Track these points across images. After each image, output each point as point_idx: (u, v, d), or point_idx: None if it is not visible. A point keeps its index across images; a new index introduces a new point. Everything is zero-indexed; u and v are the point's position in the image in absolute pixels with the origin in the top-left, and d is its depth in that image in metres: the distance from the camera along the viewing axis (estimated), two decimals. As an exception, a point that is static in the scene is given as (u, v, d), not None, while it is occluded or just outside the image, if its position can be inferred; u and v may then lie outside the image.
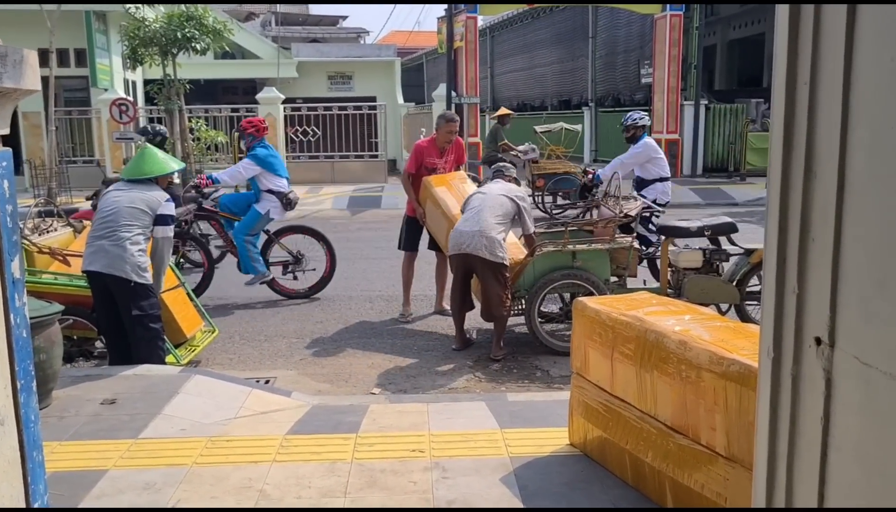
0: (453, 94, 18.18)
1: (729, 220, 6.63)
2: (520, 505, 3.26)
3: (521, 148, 13.82)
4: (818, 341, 1.72)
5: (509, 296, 6.02)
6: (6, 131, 1.95)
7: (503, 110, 14.82)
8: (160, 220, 5.15)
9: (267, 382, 5.48)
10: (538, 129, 14.85)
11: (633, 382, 3.35)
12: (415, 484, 3.47)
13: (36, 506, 2.05)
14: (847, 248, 1.63)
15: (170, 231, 5.23)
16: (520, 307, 6.27)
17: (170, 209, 5.20)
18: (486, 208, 6.00)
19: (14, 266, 1.94)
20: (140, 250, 5.03)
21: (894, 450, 1.48)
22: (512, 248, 6.35)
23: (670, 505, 3.17)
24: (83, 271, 5.03)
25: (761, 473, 1.93)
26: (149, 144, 5.66)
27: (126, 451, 3.83)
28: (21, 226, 5.53)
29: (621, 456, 3.47)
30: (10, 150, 1.95)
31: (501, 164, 6.74)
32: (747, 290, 6.39)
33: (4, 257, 1.89)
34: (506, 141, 13.91)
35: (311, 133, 19.27)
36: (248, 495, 3.37)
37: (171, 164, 5.41)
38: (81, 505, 3.27)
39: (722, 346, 2.94)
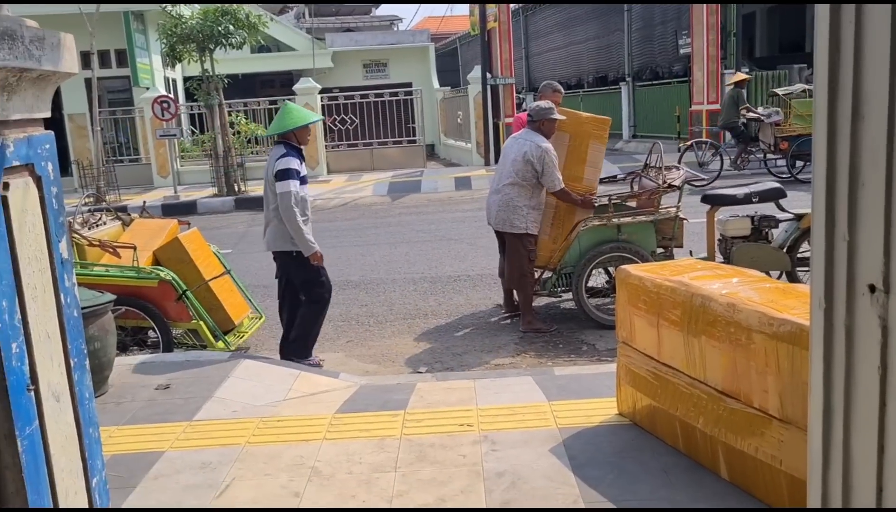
0: (488, 75, 18.05)
1: (777, 185, 6.48)
2: (570, 475, 3.25)
3: (763, 110, 13.71)
4: (872, 289, 1.67)
5: (531, 269, 6.06)
6: (48, 115, 1.98)
7: (740, 75, 14.68)
8: (277, 175, 5.21)
9: (318, 365, 5.54)
10: (779, 91, 14.62)
11: (681, 347, 3.30)
12: (464, 457, 3.48)
13: (94, 481, 2.10)
14: (900, 189, 1.57)
15: (285, 186, 5.15)
16: (562, 282, 6.24)
17: (283, 164, 5.19)
18: (504, 174, 6.09)
19: (62, 247, 1.98)
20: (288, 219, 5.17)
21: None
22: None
23: (724, 470, 3.12)
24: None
25: (816, 429, 1.89)
26: (288, 102, 5.75)
27: (181, 432, 3.91)
28: (71, 220, 5.67)
29: (671, 423, 3.42)
30: (52, 133, 1.99)
31: (534, 105, 6.28)
32: (798, 256, 6.23)
33: (52, 238, 1.93)
34: (747, 104, 13.86)
35: (349, 121, 19.36)
36: (301, 472, 3.42)
37: (309, 116, 5.49)
38: (140, 485, 3.36)
39: (772, 306, 2.87)
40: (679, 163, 13.50)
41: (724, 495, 3.01)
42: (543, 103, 6.21)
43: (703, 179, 7.13)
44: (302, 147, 5.43)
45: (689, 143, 14.57)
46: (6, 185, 1.74)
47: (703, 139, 15.30)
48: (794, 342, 2.68)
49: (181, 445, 3.78)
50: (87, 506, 2.03)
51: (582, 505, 3.00)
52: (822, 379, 1.84)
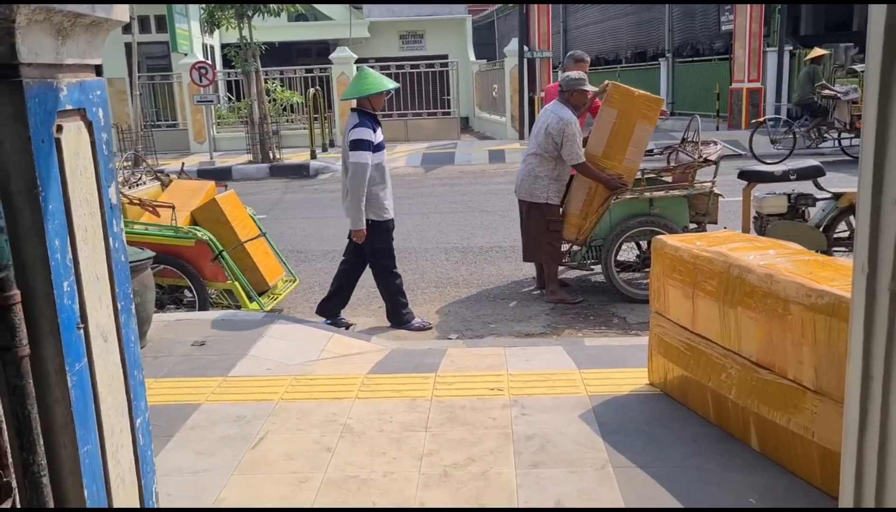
0: (525, 48, 17.89)
1: (816, 163, 6.36)
2: (599, 440, 3.27)
3: (840, 88, 13.55)
4: (918, 253, 1.65)
5: (556, 240, 6.04)
6: (99, 61, 2.02)
7: (818, 51, 14.49)
8: (350, 145, 5.28)
9: (347, 327, 5.61)
10: (858, 68, 14.40)
11: (716, 318, 3.28)
12: (494, 420, 3.52)
13: (138, 421, 2.16)
14: (952, 153, 1.55)
15: (357, 156, 5.23)
16: (592, 255, 6.22)
17: (356, 134, 5.25)
18: (530, 145, 6.09)
19: (111, 192, 2.03)
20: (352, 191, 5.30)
21: None
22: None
23: (754, 440, 3.11)
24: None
25: (854, 396, 1.87)
26: (365, 67, 5.78)
27: (217, 387, 4.00)
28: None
29: (703, 394, 3.42)
30: (103, 80, 2.03)
31: (565, 75, 6.20)
32: (835, 236, 6.14)
33: (102, 183, 1.98)
34: (823, 81, 13.71)
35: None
36: (333, 428, 3.48)
37: (385, 82, 5.50)
38: (177, 434, 3.45)
39: (810, 278, 2.84)
40: (751, 140, 13.29)
41: (755, 466, 3.01)
42: (574, 74, 6.12)
43: (741, 153, 7.01)
44: (377, 113, 5.47)
45: (761, 120, 14.23)
46: (59, 128, 1.78)
47: (776, 116, 15.01)
48: (832, 314, 2.66)
49: (216, 398, 3.86)
50: (131, 445, 2.09)
51: (610, 469, 3.02)
52: (862, 346, 1.83)
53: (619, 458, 3.11)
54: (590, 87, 5.95)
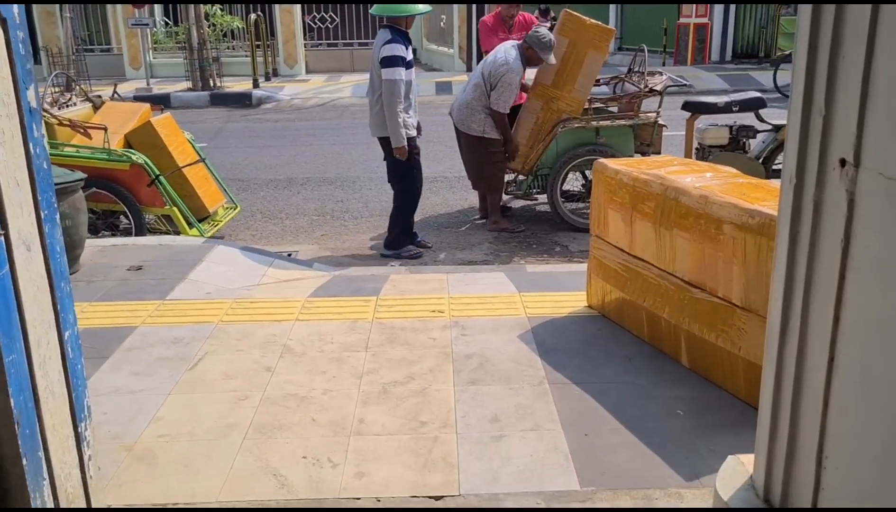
0: (475, -24, 17.50)
1: (757, 94, 6.46)
2: (537, 359, 3.33)
3: None
4: (843, 163, 1.69)
5: (497, 171, 6.04)
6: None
7: None
8: (383, 62, 5.12)
9: (289, 255, 5.55)
10: None
11: (653, 240, 3.34)
12: (434, 340, 3.55)
13: (66, 334, 2.11)
14: (879, 62, 1.57)
15: (391, 73, 5.09)
16: (537, 184, 6.25)
17: (388, 50, 5.09)
18: (475, 73, 6.03)
19: (30, 95, 1.93)
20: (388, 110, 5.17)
21: (913, 259, 1.47)
22: None
23: (685, 357, 3.22)
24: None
25: (777, 303, 1.94)
26: None
27: (154, 310, 3.94)
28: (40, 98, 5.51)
29: (638, 314, 3.51)
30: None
31: (535, 33, 5.90)
32: (773, 167, 6.28)
33: (20, 86, 1.88)
34: None
35: (329, 20, 18.79)
36: (273, 349, 3.47)
37: (420, 7, 5.30)
38: (113, 356, 3.40)
39: (743, 198, 2.91)
40: (774, 76, 13.24)
41: (685, 380, 3.12)
42: (544, 36, 5.89)
43: (686, 84, 7.07)
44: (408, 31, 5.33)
45: (786, 53, 14.03)
46: (-31, 22, 1.68)
47: None
48: (762, 233, 2.73)
49: (154, 321, 3.81)
50: (59, 358, 2.05)
51: (547, 386, 3.09)
52: (787, 254, 1.88)
53: (556, 375, 3.19)
54: (552, 61, 5.76)
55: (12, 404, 1.79)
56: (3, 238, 1.79)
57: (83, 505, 2.16)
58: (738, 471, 2.17)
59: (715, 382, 3.06)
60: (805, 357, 1.86)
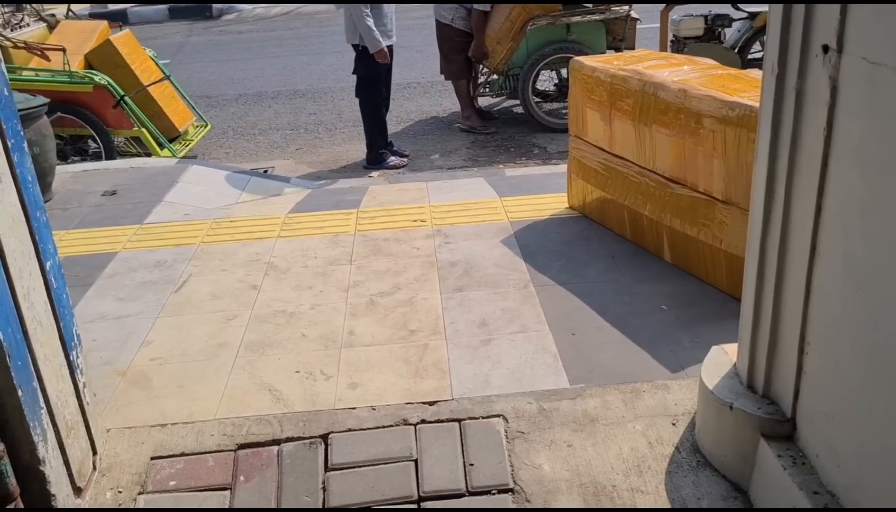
0: None
1: (733, -19, 6.31)
2: (521, 262, 3.36)
3: None
4: (825, 49, 1.67)
5: (457, 59, 6.10)
6: None
7: None
8: None
9: (265, 171, 5.47)
10: None
11: (632, 137, 3.32)
12: (418, 249, 3.56)
13: (48, 265, 2.09)
14: (863, -58, 1.53)
15: None
16: (509, 84, 6.15)
17: None
18: None
19: (-17, 18, 1.85)
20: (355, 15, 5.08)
21: (894, 145, 1.47)
22: None
23: (667, 253, 3.26)
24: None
25: (759, 195, 1.95)
26: None
27: (133, 235, 3.89)
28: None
29: (620, 213, 3.52)
30: None
31: None
32: (749, 56, 6.21)
33: (-29, 8, 1.79)
34: None
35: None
36: (257, 267, 3.46)
37: None
38: (96, 283, 3.38)
39: (722, 91, 2.88)
40: None
41: (667, 276, 3.16)
42: None
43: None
44: None
45: None
46: None
47: None
48: (742, 125, 2.72)
49: (133, 246, 3.77)
50: (43, 288, 2.03)
51: (532, 288, 3.13)
52: (769, 144, 1.88)
53: (541, 277, 3.22)
54: None
55: (1, 337, 1.78)
56: (-29, 170, 1.74)
57: (84, 431, 2.19)
58: (721, 360, 2.23)
59: (697, 275, 3.11)
60: (787, 247, 1.88)
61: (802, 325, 1.84)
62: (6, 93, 1.93)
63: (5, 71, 1.96)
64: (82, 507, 2.08)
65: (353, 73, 5.39)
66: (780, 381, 1.98)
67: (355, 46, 5.24)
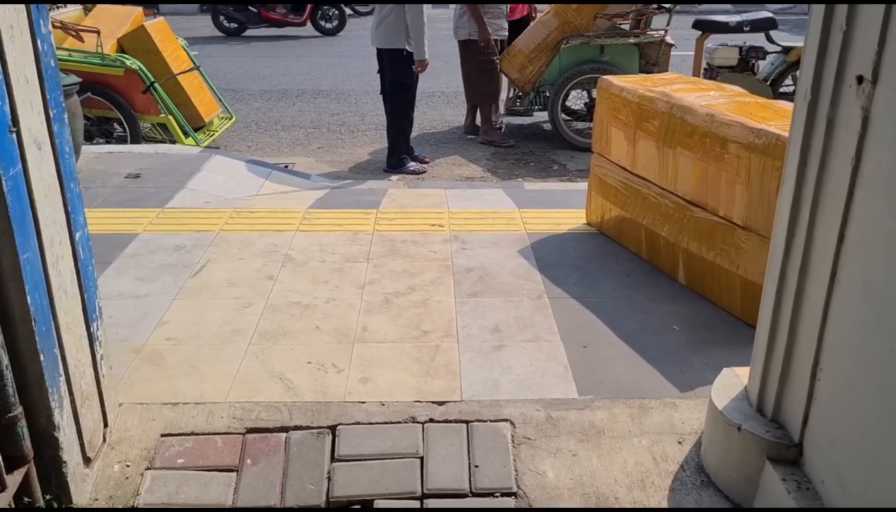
0: None
1: (769, 14, 6.34)
2: (536, 273, 3.38)
3: None
4: (860, 80, 1.69)
5: (484, 78, 6.12)
6: None
7: None
8: None
9: (286, 166, 5.53)
10: None
11: (655, 158, 3.35)
12: (435, 253, 3.59)
13: (77, 235, 2.13)
14: (904, -23, 1.56)
15: None
16: (539, 101, 6.19)
17: None
18: None
19: (37, -11, 1.89)
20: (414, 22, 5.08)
21: (924, 178, 1.49)
22: None
23: (682, 275, 3.27)
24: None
25: (783, 219, 1.97)
26: None
27: (154, 217, 3.94)
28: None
29: (637, 232, 3.54)
30: None
31: None
32: (781, 89, 6.23)
33: (26, -21, 1.83)
34: None
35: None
36: (274, 258, 3.50)
37: None
38: (116, 261, 3.42)
39: (750, 118, 2.90)
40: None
41: (681, 297, 3.18)
42: None
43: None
44: None
45: None
46: None
47: None
48: (767, 153, 2.74)
49: (154, 228, 3.81)
50: (71, 258, 2.07)
51: (546, 299, 3.15)
52: (797, 170, 1.90)
53: (555, 289, 3.24)
54: None
55: (28, 301, 1.82)
56: (14, 136, 1.78)
57: (97, 403, 2.22)
58: (732, 382, 2.25)
59: (710, 299, 3.13)
60: (808, 272, 1.90)
61: (817, 350, 1.86)
62: (53, 65, 1.97)
63: (54, 43, 2.00)
64: (93, 507, 2.10)
65: (378, 73, 5.41)
66: (790, 405, 2.00)
67: (396, 51, 5.20)
